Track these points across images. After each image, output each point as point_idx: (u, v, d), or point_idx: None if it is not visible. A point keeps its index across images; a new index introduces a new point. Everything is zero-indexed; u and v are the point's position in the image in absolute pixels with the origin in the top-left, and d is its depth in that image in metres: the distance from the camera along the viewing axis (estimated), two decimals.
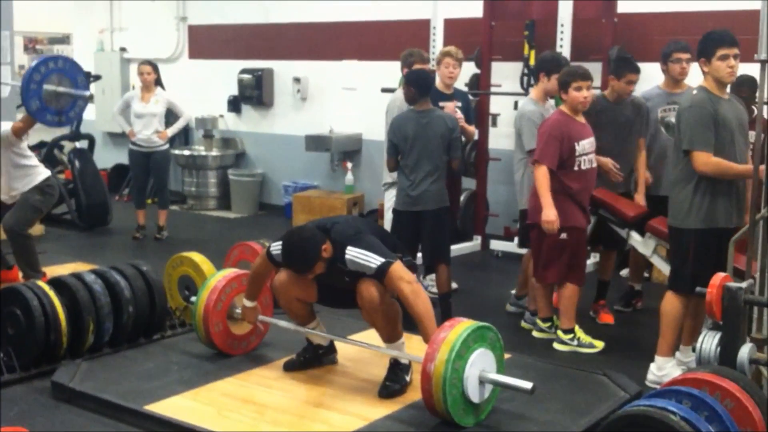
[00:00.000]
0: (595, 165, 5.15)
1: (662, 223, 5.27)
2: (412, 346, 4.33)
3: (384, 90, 7.45)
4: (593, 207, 5.36)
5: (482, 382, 3.72)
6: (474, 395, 3.69)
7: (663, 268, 5.33)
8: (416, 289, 3.96)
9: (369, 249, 3.98)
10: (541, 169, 4.95)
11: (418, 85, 5.33)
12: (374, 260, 3.95)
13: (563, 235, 4.98)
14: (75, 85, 5.64)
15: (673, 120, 5.54)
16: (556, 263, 5.09)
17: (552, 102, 5.77)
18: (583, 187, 5.07)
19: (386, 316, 4.04)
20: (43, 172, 5.98)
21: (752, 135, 5.18)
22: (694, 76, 5.65)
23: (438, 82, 6.03)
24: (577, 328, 5.18)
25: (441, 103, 5.87)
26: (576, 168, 5.00)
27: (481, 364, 3.71)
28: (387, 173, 5.92)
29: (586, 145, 5.06)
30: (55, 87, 5.53)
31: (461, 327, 3.70)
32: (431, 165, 5.33)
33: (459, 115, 5.97)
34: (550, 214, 4.90)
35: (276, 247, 4.19)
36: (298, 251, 4.03)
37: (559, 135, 4.95)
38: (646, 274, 6.29)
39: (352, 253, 3.97)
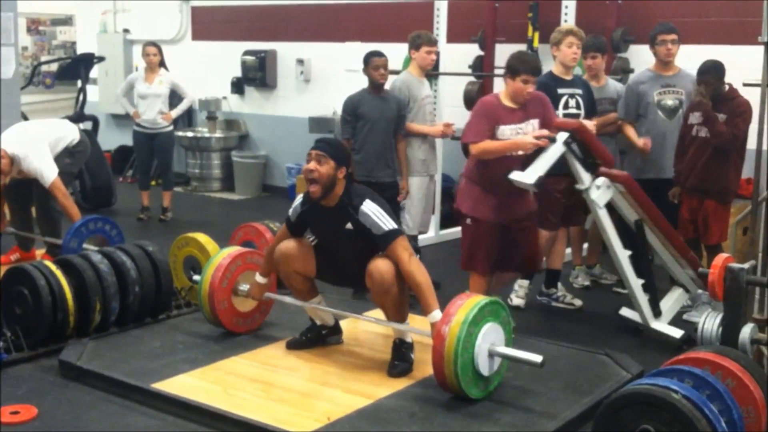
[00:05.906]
0: None
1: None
2: (414, 325, 4.34)
3: None
4: (570, 138, 4.68)
5: (492, 355, 3.77)
6: (483, 367, 3.74)
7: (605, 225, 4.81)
8: (416, 260, 4.03)
9: (386, 212, 4.06)
10: None
11: None
12: (388, 223, 4.02)
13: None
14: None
15: (669, 103, 5.57)
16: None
17: None
18: None
19: (395, 299, 4.07)
20: (69, 135, 5.94)
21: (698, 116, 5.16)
22: (684, 58, 5.69)
23: (556, 67, 5.34)
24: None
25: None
26: None
27: (492, 338, 3.76)
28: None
29: None
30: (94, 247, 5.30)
31: (474, 300, 3.76)
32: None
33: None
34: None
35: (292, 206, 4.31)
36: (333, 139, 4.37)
37: None
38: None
39: (370, 206, 4.03)
